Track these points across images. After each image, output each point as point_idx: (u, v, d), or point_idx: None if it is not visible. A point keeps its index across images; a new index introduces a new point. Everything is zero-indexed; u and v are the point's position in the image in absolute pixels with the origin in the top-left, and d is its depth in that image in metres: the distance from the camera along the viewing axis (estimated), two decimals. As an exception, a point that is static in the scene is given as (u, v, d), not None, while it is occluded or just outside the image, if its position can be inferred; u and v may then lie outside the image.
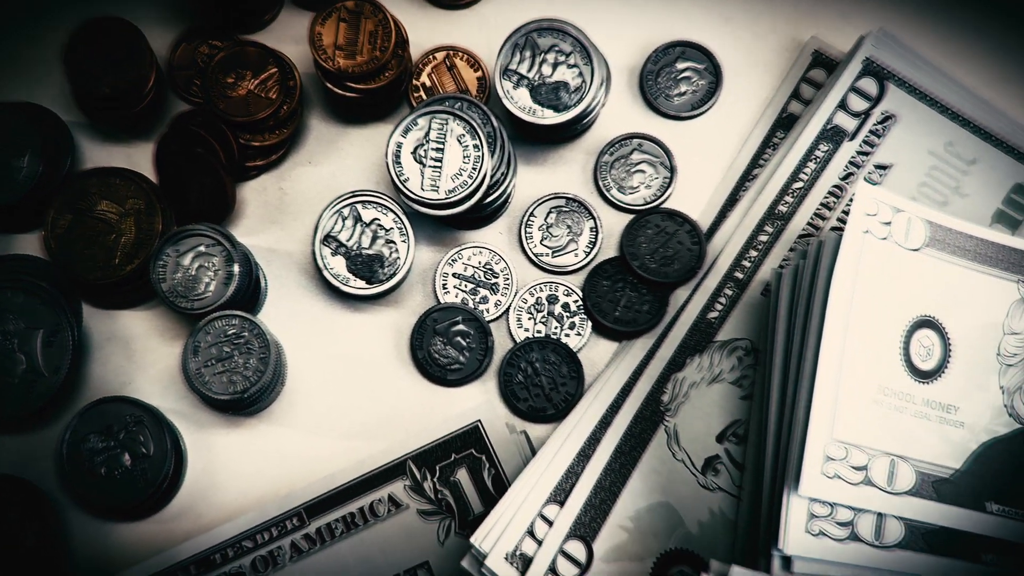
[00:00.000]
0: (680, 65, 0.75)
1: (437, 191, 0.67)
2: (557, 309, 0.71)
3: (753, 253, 0.71)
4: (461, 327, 0.71)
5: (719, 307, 0.70)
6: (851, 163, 0.71)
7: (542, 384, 0.70)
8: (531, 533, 0.64)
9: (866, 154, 0.71)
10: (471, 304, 0.71)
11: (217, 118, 0.71)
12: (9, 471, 0.69)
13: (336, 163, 0.74)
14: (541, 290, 0.72)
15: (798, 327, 0.64)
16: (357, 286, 0.69)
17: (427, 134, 0.67)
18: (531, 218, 0.73)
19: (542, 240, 0.73)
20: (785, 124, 0.74)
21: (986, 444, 0.63)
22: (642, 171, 0.73)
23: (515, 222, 0.73)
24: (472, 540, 0.64)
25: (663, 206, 0.73)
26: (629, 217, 0.72)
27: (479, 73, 0.75)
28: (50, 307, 0.68)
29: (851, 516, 0.61)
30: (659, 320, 0.70)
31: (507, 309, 0.72)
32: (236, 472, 0.70)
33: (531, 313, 0.71)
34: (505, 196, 0.72)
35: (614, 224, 0.73)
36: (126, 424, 0.67)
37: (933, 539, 0.61)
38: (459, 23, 0.76)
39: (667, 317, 0.70)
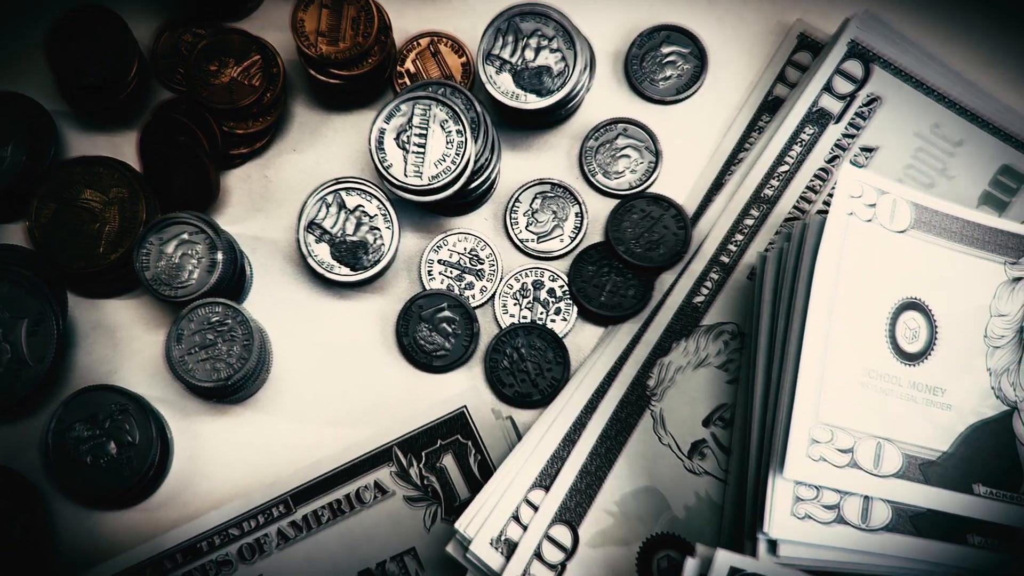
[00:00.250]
0: (665, 49, 0.74)
1: (420, 177, 0.67)
2: (543, 295, 0.71)
3: (739, 237, 0.71)
4: (447, 313, 0.70)
5: (705, 291, 0.70)
6: (837, 146, 0.71)
7: (528, 370, 0.70)
8: (516, 518, 0.64)
9: (852, 137, 0.71)
10: (456, 290, 0.71)
11: (200, 106, 0.71)
12: (-5, 461, 0.69)
13: (321, 150, 0.74)
14: (527, 276, 0.72)
15: (783, 310, 0.64)
16: (342, 273, 0.69)
17: (410, 120, 0.67)
18: (516, 204, 0.73)
19: (527, 226, 0.72)
20: (771, 107, 0.73)
21: (973, 426, 0.63)
22: (627, 156, 0.73)
23: (500, 208, 0.73)
24: (457, 525, 0.63)
25: (648, 191, 0.72)
26: (614, 202, 0.72)
27: (464, 59, 0.74)
28: (34, 296, 0.68)
29: (837, 499, 0.60)
30: (645, 305, 0.70)
31: (493, 295, 0.71)
32: (222, 460, 0.69)
33: (517, 299, 0.71)
34: (490, 182, 0.71)
35: (599, 209, 0.73)
36: (111, 413, 0.67)
37: (920, 522, 0.61)
38: (443, 9, 0.76)
39: (653, 302, 0.70)
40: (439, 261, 0.72)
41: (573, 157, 0.74)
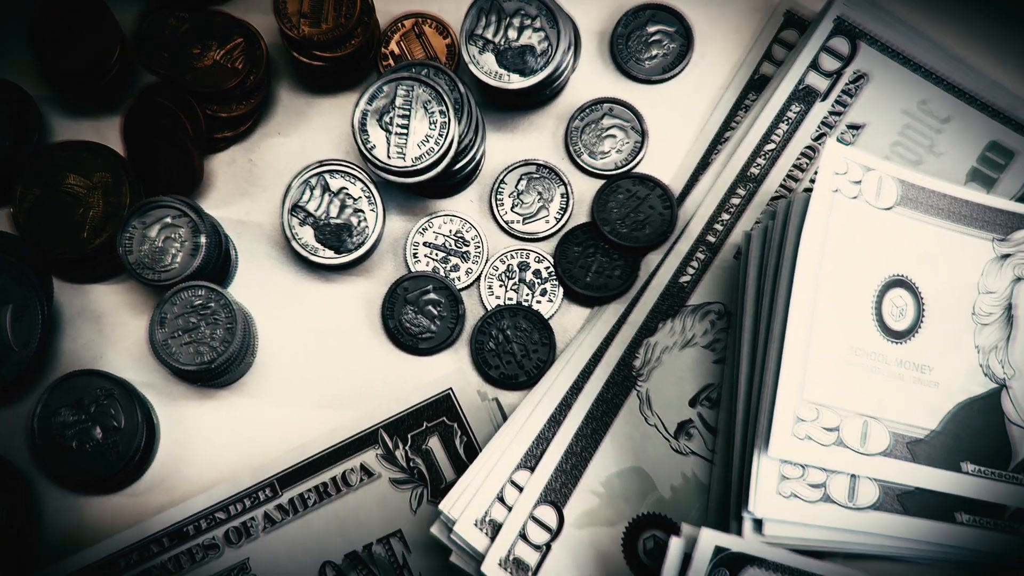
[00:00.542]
0: (651, 28, 0.74)
1: (404, 158, 0.67)
2: (528, 276, 0.71)
3: (725, 216, 0.70)
4: (432, 296, 0.70)
5: (691, 271, 0.70)
6: (823, 123, 0.71)
7: (514, 351, 0.70)
8: (501, 499, 0.64)
9: (838, 114, 0.71)
10: (442, 272, 0.71)
11: (184, 89, 0.71)
12: (-19, 446, 0.69)
13: (306, 134, 0.74)
14: (512, 257, 0.71)
15: (767, 288, 0.63)
16: (326, 256, 0.69)
17: (392, 101, 0.67)
18: (502, 185, 0.72)
19: (513, 207, 0.72)
20: (757, 86, 0.73)
21: (961, 404, 0.63)
22: (613, 136, 0.72)
23: (486, 190, 0.73)
24: (441, 507, 0.63)
25: (634, 171, 0.72)
26: (600, 183, 0.72)
27: (448, 40, 0.74)
28: (19, 282, 0.68)
29: (824, 478, 0.60)
30: (630, 285, 0.70)
31: (478, 277, 0.71)
32: (208, 444, 0.69)
33: (502, 280, 0.71)
34: (474, 163, 0.71)
35: (585, 190, 0.72)
36: (97, 397, 0.67)
37: (908, 500, 0.61)
38: (428, -10, 0.75)
39: (639, 282, 0.70)
40: (424, 243, 0.72)
41: (559, 138, 0.73)
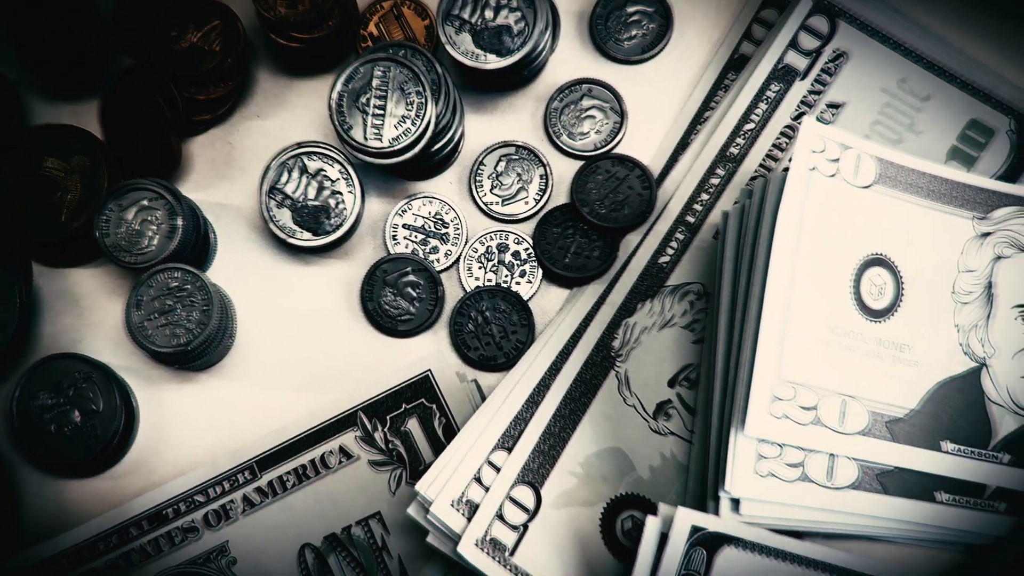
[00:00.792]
0: (630, 8, 0.73)
1: (381, 140, 0.66)
2: (507, 257, 0.71)
3: (704, 196, 0.70)
4: (411, 278, 0.70)
5: (670, 251, 0.69)
6: (803, 103, 0.70)
7: (492, 333, 0.69)
8: (478, 480, 0.64)
9: (818, 93, 0.70)
10: (421, 254, 0.71)
11: (161, 72, 0.71)
12: (-40, 430, 0.69)
13: (284, 116, 0.74)
14: (491, 239, 0.71)
15: (744, 267, 0.63)
16: (304, 238, 0.69)
17: (369, 82, 0.67)
18: (481, 167, 0.72)
19: (492, 189, 0.72)
20: (737, 65, 0.72)
21: (941, 383, 0.63)
22: (592, 116, 0.72)
23: (465, 171, 0.73)
24: (417, 487, 0.63)
25: (613, 151, 0.72)
26: (579, 163, 0.72)
27: (427, 21, 0.74)
28: (-3, 266, 0.68)
29: (801, 457, 0.60)
30: (610, 266, 0.70)
31: (457, 259, 0.71)
32: (188, 427, 0.69)
33: (481, 262, 0.71)
34: (453, 144, 0.71)
35: (565, 171, 0.72)
36: (75, 381, 0.67)
37: (887, 480, 0.61)
38: (406, -29, 0.75)
39: (618, 263, 0.70)
40: (404, 225, 0.71)
41: (538, 119, 0.73)
